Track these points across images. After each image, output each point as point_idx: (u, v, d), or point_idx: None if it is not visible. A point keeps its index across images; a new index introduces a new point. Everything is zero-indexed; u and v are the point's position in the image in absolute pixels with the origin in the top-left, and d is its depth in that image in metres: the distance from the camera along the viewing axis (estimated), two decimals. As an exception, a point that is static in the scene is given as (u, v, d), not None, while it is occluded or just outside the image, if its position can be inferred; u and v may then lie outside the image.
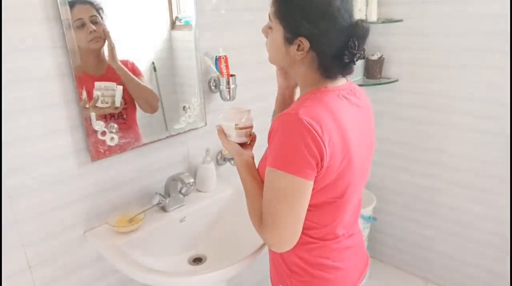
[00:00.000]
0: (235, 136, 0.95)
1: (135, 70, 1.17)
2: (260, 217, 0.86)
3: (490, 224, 1.88)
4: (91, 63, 1.06)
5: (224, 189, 1.41)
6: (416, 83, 1.93)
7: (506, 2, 1.57)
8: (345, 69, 0.85)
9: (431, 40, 1.82)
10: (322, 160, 0.77)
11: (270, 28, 0.86)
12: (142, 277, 1.01)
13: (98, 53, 1.07)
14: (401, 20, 1.87)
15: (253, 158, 0.95)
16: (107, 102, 1.08)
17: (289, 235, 0.82)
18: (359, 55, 0.82)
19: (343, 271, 0.95)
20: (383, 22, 1.87)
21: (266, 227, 0.83)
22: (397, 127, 2.06)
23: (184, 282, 1.02)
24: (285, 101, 1.06)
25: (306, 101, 0.81)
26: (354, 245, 0.98)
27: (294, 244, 0.84)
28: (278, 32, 0.83)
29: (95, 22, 1.02)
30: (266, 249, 1.10)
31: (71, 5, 0.96)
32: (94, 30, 1.02)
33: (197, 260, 1.25)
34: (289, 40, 0.83)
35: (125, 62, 1.13)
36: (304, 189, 0.79)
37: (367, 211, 2.08)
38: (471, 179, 1.88)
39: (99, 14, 1.03)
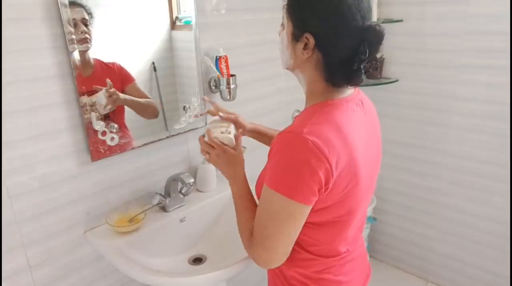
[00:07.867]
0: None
1: (126, 77, 1.15)
2: (250, 233, 0.83)
3: (490, 224, 1.88)
4: (80, 64, 1.04)
5: (224, 189, 1.41)
6: (416, 83, 1.93)
7: (506, 2, 1.57)
8: (352, 77, 0.78)
9: (431, 40, 1.82)
10: (327, 182, 0.72)
11: (283, 25, 0.81)
12: (142, 277, 1.01)
13: (84, 55, 1.05)
14: (401, 20, 1.87)
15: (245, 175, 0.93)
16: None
17: (278, 256, 0.79)
18: (370, 63, 0.75)
19: (346, 284, 0.91)
20: (383, 22, 1.87)
21: (256, 245, 0.80)
22: (397, 127, 2.06)
23: (184, 282, 1.02)
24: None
25: (312, 117, 0.75)
26: (357, 257, 0.94)
27: (283, 262, 0.81)
28: (288, 28, 0.79)
29: (85, 25, 1.03)
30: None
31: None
32: (85, 31, 1.02)
33: (197, 260, 1.25)
34: (296, 36, 0.77)
35: (111, 65, 1.11)
36: (300, 213, 0.75)
37: (367, 211, 2.08)
38: (471, 179, 1.88)
39: (89, 18, 1.04)
